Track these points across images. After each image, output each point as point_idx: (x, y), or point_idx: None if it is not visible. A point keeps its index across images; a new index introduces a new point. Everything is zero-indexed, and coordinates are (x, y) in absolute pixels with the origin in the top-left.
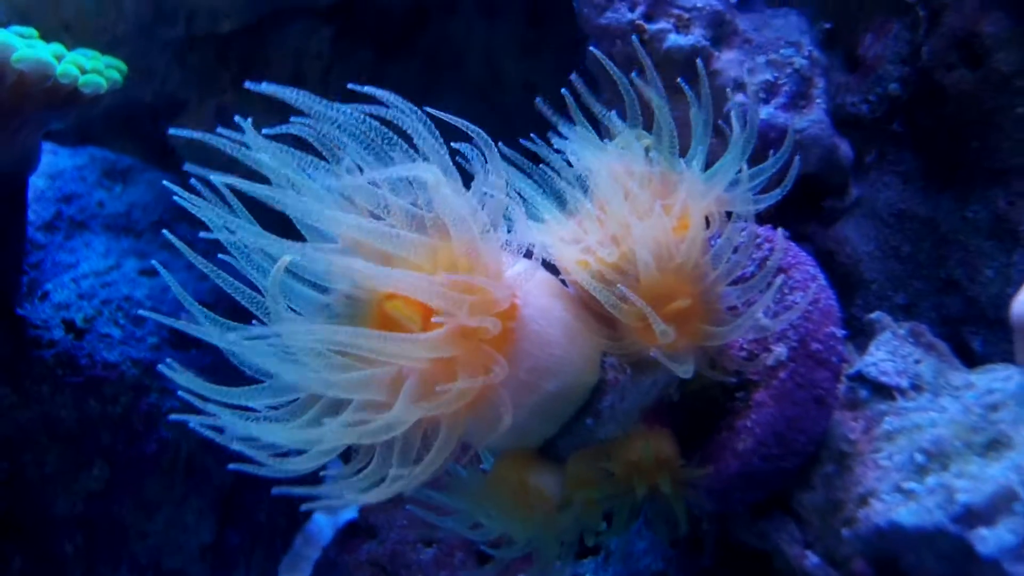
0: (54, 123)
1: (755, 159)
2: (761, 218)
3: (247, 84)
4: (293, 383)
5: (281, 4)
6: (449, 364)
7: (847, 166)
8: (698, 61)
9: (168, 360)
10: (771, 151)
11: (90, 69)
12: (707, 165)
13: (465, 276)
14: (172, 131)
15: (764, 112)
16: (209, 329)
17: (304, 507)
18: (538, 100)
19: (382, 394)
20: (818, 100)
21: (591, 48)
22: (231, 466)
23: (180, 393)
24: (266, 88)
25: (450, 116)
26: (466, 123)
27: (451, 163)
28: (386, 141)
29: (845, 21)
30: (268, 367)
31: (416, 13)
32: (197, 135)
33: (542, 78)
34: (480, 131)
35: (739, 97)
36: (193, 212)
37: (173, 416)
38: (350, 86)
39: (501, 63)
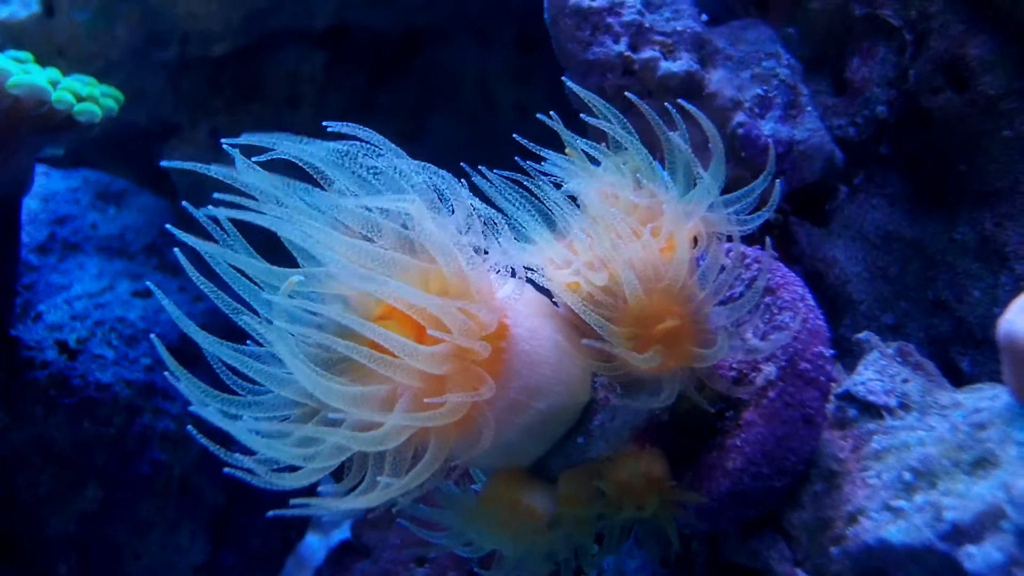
0: (49, 148)
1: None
2: (772, 228)
3: (223, 141)
4: (298, 389)
5: (275, 28)
6: (440, 384)
7: (842, 169)
8: (665, 105)
9: (168, 372)
10: (784, 165)
11: (86, 96)
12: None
13: (455, 301)
14: (164, 164)
15: (767, 128)
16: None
17: (295, 511)
18: (517, 137)
19: (375, 411)
20: (808, 108)
21: (569, 83)
22: (225, 470)
23: (185, 405)
24: (247, 139)
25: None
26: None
27: (434, 194)
28: (372, 172)
29: (832, 44)
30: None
31: (409, 39)
32: (191, 165)
33: (534, 103)
34: (440, 171)
35: (739, 116)
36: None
37: (192, 408)
38: (329, 129)
39: (493, 88)
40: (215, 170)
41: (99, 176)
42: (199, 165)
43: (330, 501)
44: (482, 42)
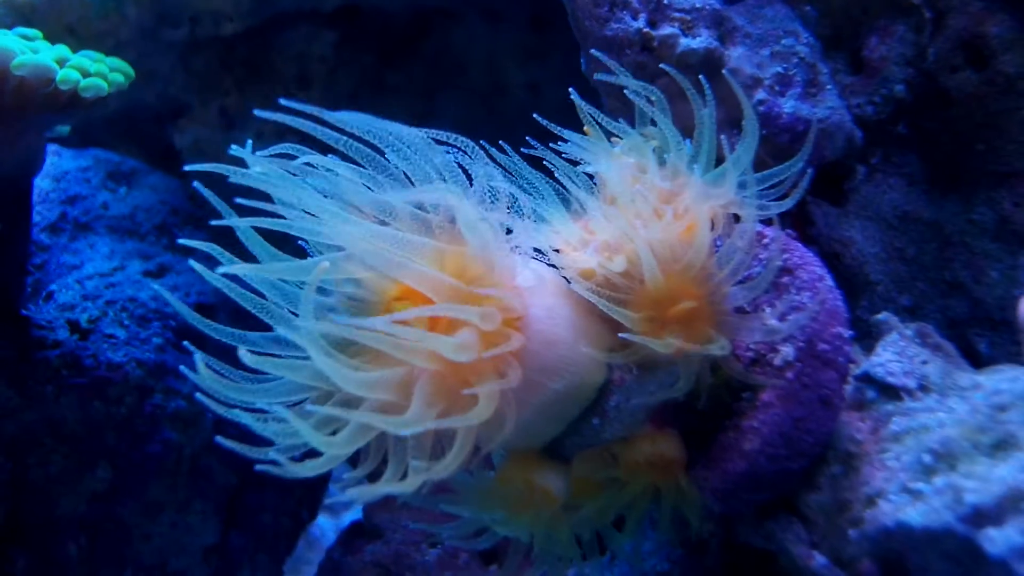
0: (59, 125)
1: (786, 152)
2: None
3: (256, 112)
4: (310, 373)
5: (285, 7)
6: (459, 367)
7: (861, 148)
8: (700, 77)
9: (182, 363)
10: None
11: (94, 72)
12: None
13: (488, 290)
14: (188, 167)
15: (787, 105)
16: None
17: (330, 501)
18: (536, 116)
19: (393, 394)
20: (828, 86)
21: (598, 56)
22: (257, 467)
23: (197, 386)
24: (270, 115)
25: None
26: (452, 135)
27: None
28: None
29: (849, 23)
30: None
31: (419, 19)
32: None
33: (546, 83)
34: (465, 139)
35: (759, 94)
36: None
37: (198, 395)
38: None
39: (504, 68)
40: (232, 170)
41: (110, 156)
42: (221, 166)
43: (365, 488)
44: (492, 22)
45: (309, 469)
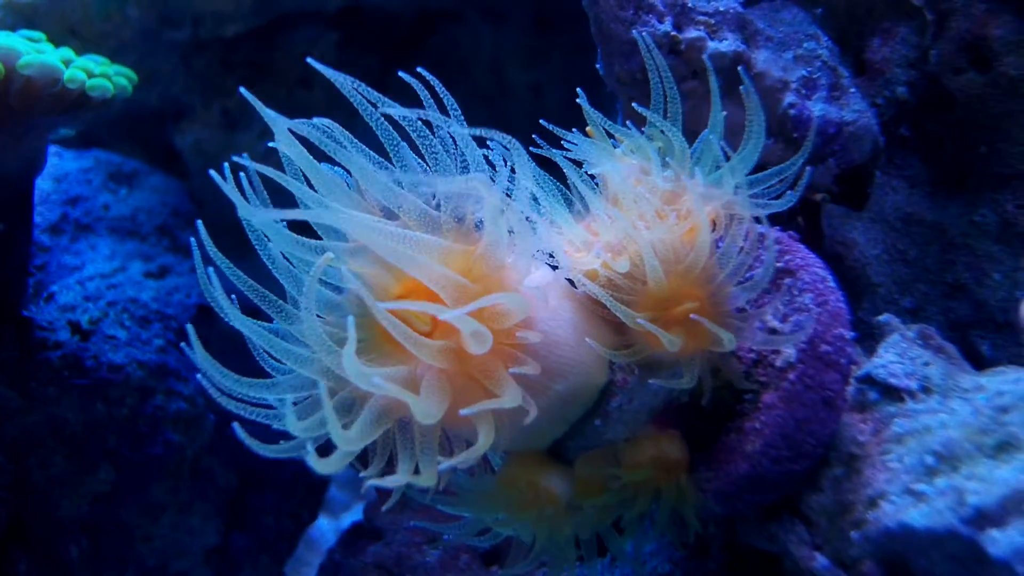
0: (63, 128)
1: (815, 155)
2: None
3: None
4: (319, 368)
5: (287, 8)
6: (464, 365)
7: (884, 151)
8: (740, 69)
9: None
10: (834, 146)
11: (98, 74)
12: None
13: (496, 296)
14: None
15: (816, 109)
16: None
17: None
18: (542, 121)
19: (400, 392)
20: (851, 89)
21: (640, 40)
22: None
23: (200, 386)
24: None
25: (477, 130)
26: (500, 134)
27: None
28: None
29: (853, 25)
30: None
31: (422, 20)
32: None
33: (549, 84)
34: (515, 141)
35: (789, 97)
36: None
37: (201, 378)
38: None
39: (507, 70)
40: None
41: (111, 157)
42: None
43: (393, 478)
44: (495, 23)
45: (324, 466)
